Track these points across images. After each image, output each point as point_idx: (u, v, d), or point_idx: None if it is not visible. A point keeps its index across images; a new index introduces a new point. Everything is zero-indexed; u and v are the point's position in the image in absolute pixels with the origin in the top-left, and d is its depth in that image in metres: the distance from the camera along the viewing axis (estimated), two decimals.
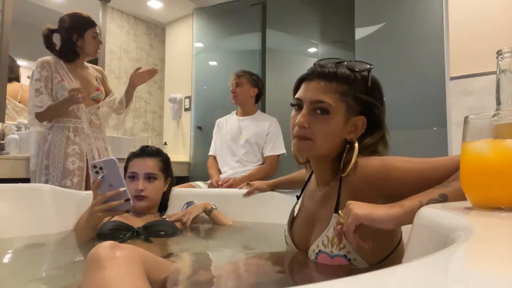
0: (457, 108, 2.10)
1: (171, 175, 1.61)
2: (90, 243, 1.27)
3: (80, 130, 2.04)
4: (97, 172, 1.20)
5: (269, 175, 2.23)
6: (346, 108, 0.88)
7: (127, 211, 1.49)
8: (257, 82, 2.37)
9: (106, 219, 1.35)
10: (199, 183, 2.25)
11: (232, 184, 2.06)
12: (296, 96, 0.93)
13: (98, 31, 2.13)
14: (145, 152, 1.51)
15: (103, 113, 2.20)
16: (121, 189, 1.20)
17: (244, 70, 2.39)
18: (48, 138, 2.01)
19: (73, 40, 2.07)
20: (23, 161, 2.22)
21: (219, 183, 2.13)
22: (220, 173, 2.32)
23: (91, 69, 2.22)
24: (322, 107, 0.87)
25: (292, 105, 0.94)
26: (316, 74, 0.90)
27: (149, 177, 1.47)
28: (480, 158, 0.55)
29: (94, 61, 2.63)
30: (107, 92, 2.28)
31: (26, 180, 2.14)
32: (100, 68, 2.35)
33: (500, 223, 0.48)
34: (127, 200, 1.21)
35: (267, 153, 2.28)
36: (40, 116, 1.99)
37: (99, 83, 2.20)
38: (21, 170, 2.22)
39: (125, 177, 1.52)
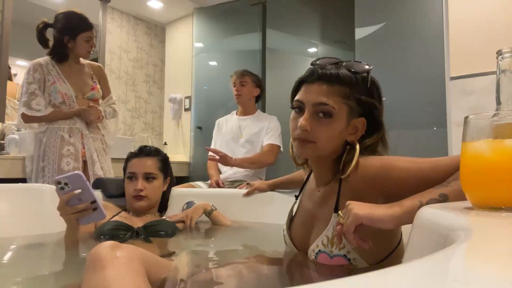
0: (457, 108, 2.10)
1: (170, 174, 1.61)
2: (90, 243, 1.27)
3: (75, 131, 2.02)
4: (62, 188, 1.13)
5: (268, 161, 2.20)
6: (348, 111, 0.88)
7: (126, 211, 1.49)
8: (260, 83, 2.38)
9: (105, 220, 1.35)
10: (199, 183, 2.25)
11: (225, 157, 2.02)
12: (296, 98, 0.91)
13: (93, 34, 2.06)
14: (144, 152, 1.51)
15: (113, 132, 2.20)
16: (91, 202, 1.15)
17: (245, 69, 2.39)
18: (43, 140, 1.99)
19: (63, 41, 2.01)
20: (23, 161, 2.22)
21: (220, 182, 2.13)
22: (220, 173, 2.32)
23: (87, 67, 2.17)
24: (325, 110, 0.86)
25: (293, 107, 0.93)
26: (317, 76, 0.89)
27: (148, 177, 1.47)
28: (480, 158, 0.55)
29: (94, 61, 2.61)
30: (106, 93, 2.23)
31: (26, 180, 2.14)
32: (98, 65, 2.28)
33: (500, 223, 0.48)
34: (95, 209, 1.15)
35: (267, 141, 2.26)
36: (35, 119, 1.97)
37: (94, 81, 2.16)
38: (21, 170, 2.22)
39: (124, 178, 1.52)
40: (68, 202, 1.13)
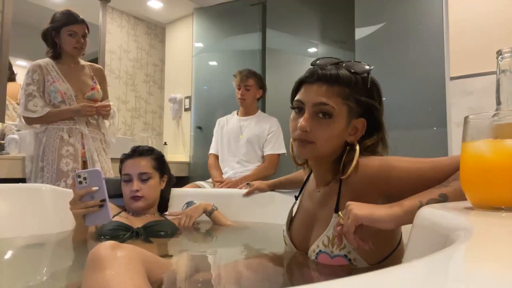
0: (457, 108, 2.10)
1: (167, 172, 1.59)
2: (90, 243, 1.27)
3: (75, 131, 2.02)
4: (80, 182, 1.18)
5: (269, 174, 2.23)
6: (348, 111, 0.88)
7: (126, 211, 1.49)
8: (263, 83, 2.40)
9: None
10: (202, 183, 2.26)
11: (231, 186, 2.08)
12: (296, 98, 0.91)
13: (81, 30, 2.04)
14: (136, 152, 1.50)
15: (112, 131, 2.22)
16: (100, 200, 1.18)
17: (250, 70, 2.38)
18: (43, 140, 1.99)
19: (52, 36, 2.03)
20: (23, 161, 2.22)
21: (223, 182, 2.15)
22: (221, 173, 2.33)
23: (87, 68, 2.17)
24: (324, 110, 0.86)
25: (293, 107, 0.93)
26: (317, 76, 0.89)
27: (143, 177, 1.46)
28: (480, 158, 0.55)
29: (94, 61, 2.61)
30: (103, 96, 2.22)
31: (26, 180, 2.14)
32: (99, 67, 2.29)
33: (500, 223, 0.48)
34: (101, 206, 1.18)
35: (267, 151, 2.29)
36: (34, 120, 1.97)
37: (94, 81, 2.16)
38: (21, 170, 2.21)
39: (121, 180, 1.52)
40: (81, 198, 1.17)
